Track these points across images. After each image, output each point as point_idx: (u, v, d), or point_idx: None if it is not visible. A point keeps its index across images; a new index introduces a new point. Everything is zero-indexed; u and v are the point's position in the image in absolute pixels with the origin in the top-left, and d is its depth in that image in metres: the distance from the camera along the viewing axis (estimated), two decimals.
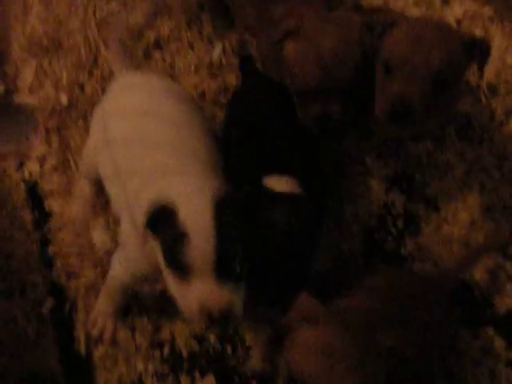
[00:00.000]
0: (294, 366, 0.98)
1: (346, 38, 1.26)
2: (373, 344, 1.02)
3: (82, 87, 1.75)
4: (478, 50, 1.23)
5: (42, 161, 1.65)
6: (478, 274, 1.50)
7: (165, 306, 1.44)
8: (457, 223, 1.56)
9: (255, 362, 1.35)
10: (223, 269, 1.06)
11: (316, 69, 1.24)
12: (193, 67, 1.78)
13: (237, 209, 1.09)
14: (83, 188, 1.55)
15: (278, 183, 1.20)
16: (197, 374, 1.40)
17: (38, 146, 1.67)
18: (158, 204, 1.08)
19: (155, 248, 1.13)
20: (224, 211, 1.07)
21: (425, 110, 1.21)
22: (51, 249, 1.54)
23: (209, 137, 1.37)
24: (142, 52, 1.80)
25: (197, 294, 1.07)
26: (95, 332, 1.41)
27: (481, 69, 1.25)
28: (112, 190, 1.34)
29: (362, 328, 1.04)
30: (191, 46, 1.82)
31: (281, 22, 1.31)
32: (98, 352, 1.42)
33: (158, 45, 1.83)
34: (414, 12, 1.77)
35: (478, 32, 1.74)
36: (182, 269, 1.07)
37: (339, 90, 1.26)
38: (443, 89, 1.21)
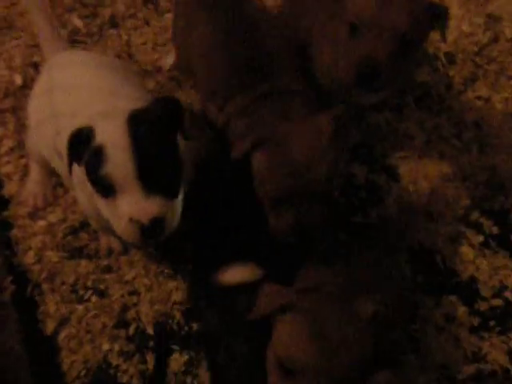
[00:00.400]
0: (285, 357, 0.98)
1: (316, 145, 1.17)
2: (355, 315, 1.01)
3: (35, 67, 1.71)
4: (439, 13, 1.21)
5: None
6: (440, 242, 1.51)
7: (131, 288, 1.43)
8: (417, 192, 1.57)
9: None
10: (148, 181, 1.07)
11: (287, 176, 1.16)
12: (150, 44, 1.75)
13: (151, 121, 1.11)
14: (36, 172, 1.54)
15: None
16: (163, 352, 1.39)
17: None
18: (76, 130, 1.10)
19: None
20: (138, 124, 1.08)
21: (391, 73, 1.19)
22: (13, 232, 1.51)
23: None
24: (98, 29, 1.77)
25: (124, 207, 1.08)
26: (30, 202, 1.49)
27: (442, 32, 1.24)
28: (60, 167, 1.33)
29: (341, 301, 1.04)
30: (147, 23, 1.79)
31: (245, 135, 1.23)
32: (63, 333, 1.40)
33: (113, 22, 1.80)
34: None
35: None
36: (107, 187, 1.08)
37: (312, 194, 1.17)
38: (408, 50, 1.19)
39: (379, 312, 1.02)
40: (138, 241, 1.11)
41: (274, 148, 1.16)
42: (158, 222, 1.09)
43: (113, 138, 1.07)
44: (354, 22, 1.19)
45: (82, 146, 1.09)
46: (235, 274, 1.14)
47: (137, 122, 1.09)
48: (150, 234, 1.10)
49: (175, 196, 1.14)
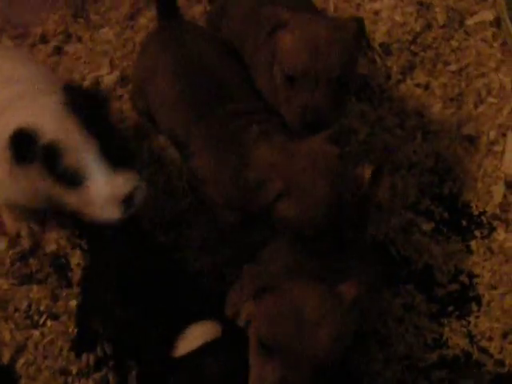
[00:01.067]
0: (265, 335, 0.97)
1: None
2: (337, 297, 1.01)
3: None
4: (359, 27, 1.23)
5: None
6: (392, 232, 1.51)
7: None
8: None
9: None
10: (111, 160, 1.13)
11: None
12: (84, 59, 1.72)
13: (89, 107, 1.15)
14: None
15: None
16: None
17: None
18: (16, 131, 1.10)
19: (35, 177, 1.16)
20: (79, 111, 1.12)
21: (333, 114, 1.22)
22: None
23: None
24: (29, 49, 1.74)
25: (101, 190, 1.14)
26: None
27: (368, 42, 1.27)
28: None
29: (322, 283, 1.04)
30: (79, 39, 1.76)
31: None
32: (21, 361, 1.37)
33: (44, 40, 1.76)
34: None
35: None
36: (72, 178, 1.12)
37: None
38: (345, 87, 1.22)
39: (361, 297, 1.03)
40: (118, 216, 1.16)
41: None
42: (131, 194, 1.16)
43: (62, 131, 1.10)
44: (289, 74, 1.21)
45: (28, 146, 1.10)
46: (195, 339, 1.13)
47: (76, 110, 1.12)
48: (128, 206, 1.16)
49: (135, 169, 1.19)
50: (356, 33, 1.22)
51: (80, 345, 1.39)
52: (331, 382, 0.97)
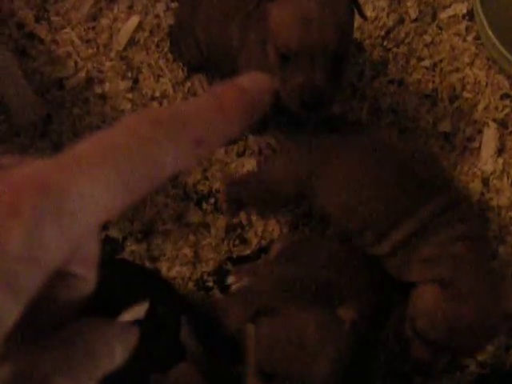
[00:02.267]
0: (264, 361, 0.95)
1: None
2: (335, 320, 1.00)
3: None
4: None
5: None
6: None
7: None
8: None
9: None
10: None
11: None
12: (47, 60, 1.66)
13: None
14: None
15: None
16: None
17: None
18: None
19: None
20: None
21: (332, 91, 1.15)
22: None
23: None
24: None
25: None
26: None
27: (361, 13, 1.19)
28: None
29: (320, 304, 1.03)
30: (41, 41, 1.70)
31: None
32: None
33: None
34: None
35: None
36: None
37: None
38: (341, 62, 1.15)
39: (359, 321, 1.01)
40: None
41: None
42: None
43: None
44: (283, 52, 1.14)
45: None
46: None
47: None
48: None
49: None
50: (349, 5, 1.15)
51: None
52: None
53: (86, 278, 0.29)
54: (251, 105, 0.29)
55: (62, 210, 0.24)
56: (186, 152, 0.27)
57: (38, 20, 1.72)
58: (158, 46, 1.68)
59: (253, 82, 0.30)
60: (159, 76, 1.66)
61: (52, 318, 0.29)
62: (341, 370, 0.95)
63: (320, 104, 1.15)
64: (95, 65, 1.67)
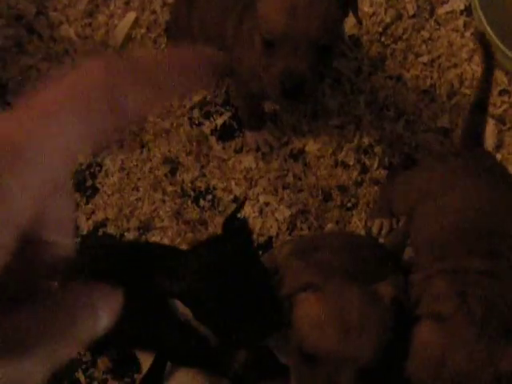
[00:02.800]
0: (305, 340, 0.93)
1: None
2: (376, 297, 0.97)
3: None
4: None
5: None
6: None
7: None
8: None
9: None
10: None
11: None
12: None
13: None
14: None
15: None
16: None
17: None
18: None
19: None
20: None
21: (314, 80, 1.15)
22: None
23: None
24: None
25: None
26: None
27: (356, 15, 1.20)
28: None
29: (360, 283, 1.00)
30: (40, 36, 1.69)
31: None
32: None
33: None
34: None
35: None
36: None
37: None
38: (326, 54, 1.15)
39: (399, 297, 0.99)
40: None
41: None
42: None
43: None
44: (268, 39, 1.14)
45: None
46: None
47: None
48: None
49: None
50: (341, 2, 1.15)
51: None
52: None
53: (63, 244, 0.29)
54: (205, 69, 0.29)
55: (21, 160, 0.23)
56: (146, 96, 0.26)
57: (37, 14, 1.72)
58: (155, 42, 1.68)
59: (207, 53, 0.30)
60: None
61: (33, 284, 0.29)
62: (383, 347, 0.93)
63: (301, 92, 1.14)
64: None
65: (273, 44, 1.14)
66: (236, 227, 1.03)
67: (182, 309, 0.98)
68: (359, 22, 1.23)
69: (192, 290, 0.95)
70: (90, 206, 1.54)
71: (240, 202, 1.51)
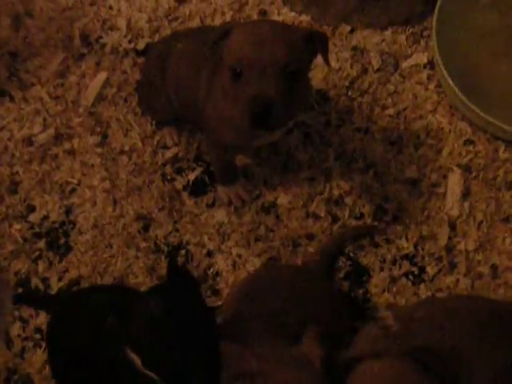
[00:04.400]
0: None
1: None
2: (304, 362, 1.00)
3: None
4: (317, 39, 1.20)
5: None
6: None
7: None
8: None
9: None
10: None
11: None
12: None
13: None
14: None
15: None
16: None
17: None
18: None
19: None
20: None
21: (282, 106, 1.16)
22: None
23: None
24: None
25: None
26: None
27: (325, 57, 1.23)
28: None
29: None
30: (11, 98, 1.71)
31: None
32: None
33: None
34: None
35: None
36: None
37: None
38: (293, 80, 1.17)
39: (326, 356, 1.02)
40: None
41: None
42: None
43: None
44: (234, 68, 1.17)
45: None
46: None
47: None
48: None
49: None
50: (306, 37, 1.19)
51: None
52: None
53: None
54: None
55: None
56: None
57: (9, 77, 1.74)
58: (126, 100, 1.71)
59: None
60: (128, 130, 1.68)
61: None
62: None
63: (269, 117, 1.15)
64: (64, 121, 1.69)
65: (241, 74, 1.17)
66: (180, 275, 1.05)
67: (133, 356, 0.98)
68: (327, 63, 1.25)
69: (140, 336, 0.95)
70: (63, 264, 1.54)
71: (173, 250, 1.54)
